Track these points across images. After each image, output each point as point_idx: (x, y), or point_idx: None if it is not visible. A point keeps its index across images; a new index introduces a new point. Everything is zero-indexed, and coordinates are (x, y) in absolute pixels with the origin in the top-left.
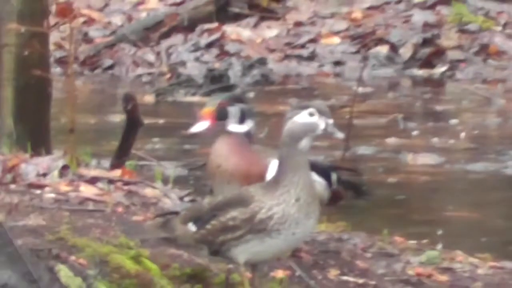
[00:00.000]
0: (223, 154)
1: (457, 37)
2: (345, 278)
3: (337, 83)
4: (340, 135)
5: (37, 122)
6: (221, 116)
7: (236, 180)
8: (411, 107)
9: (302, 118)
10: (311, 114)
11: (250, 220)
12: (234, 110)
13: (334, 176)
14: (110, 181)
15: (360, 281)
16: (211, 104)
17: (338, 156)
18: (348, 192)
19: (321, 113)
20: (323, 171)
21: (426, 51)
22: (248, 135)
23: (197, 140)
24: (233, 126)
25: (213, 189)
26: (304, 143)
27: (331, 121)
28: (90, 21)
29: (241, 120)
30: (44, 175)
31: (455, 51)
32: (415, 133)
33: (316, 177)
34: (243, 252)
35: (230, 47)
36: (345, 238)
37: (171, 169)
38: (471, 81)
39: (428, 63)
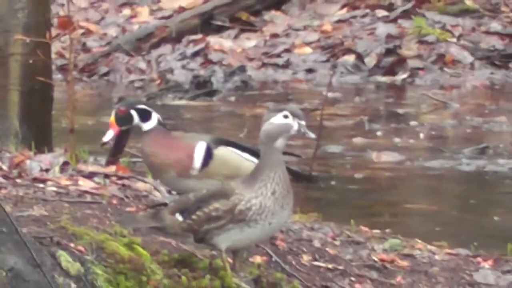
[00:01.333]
0: (150, 152)
1: (417, 48)
2: (316, 263)
3: (309, 89)
4: (311, 135)
5: (40, 123)
6: (122, 122)
7: (170, 169)
8: (375, 110)
9: (278, 119)
10: (285, 116)
11: (231, 211)
12: (134, 113)
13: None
14: (106, 176)
15: (330, 266)
16: (111, 115)
17: (309, 154)
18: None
19: (294, 115)
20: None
21: (389, 60)
22: (161, 126)
23: None
24: (144, 126)
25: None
26: (280, 142)
27: (303, 122)
28: (88, 33)
29: (146, 118)
30: (47, 170)
31: (415, 60)
32: (379, 133)
33: (255, 160)
34: (224, 240)
35: (213, 56)
36: (316, 227)
37: None
38: (429, 87)
39: (390, 71)
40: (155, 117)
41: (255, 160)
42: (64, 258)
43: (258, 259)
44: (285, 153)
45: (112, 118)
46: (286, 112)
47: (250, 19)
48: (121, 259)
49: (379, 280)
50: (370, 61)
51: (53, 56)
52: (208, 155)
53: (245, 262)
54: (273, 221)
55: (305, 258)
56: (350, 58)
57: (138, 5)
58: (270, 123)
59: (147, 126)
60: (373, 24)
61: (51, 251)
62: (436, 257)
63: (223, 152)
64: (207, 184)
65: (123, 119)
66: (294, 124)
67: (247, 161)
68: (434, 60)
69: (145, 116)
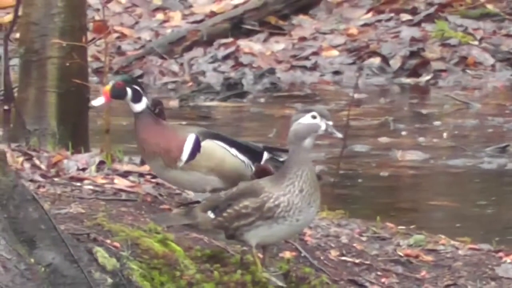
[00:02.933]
0: (143, 138)
1: (440, 50)
2: (343, 258)
3: (336, 90)
4: (338, 135)
5: (77, 124)
6: (116, 95)
7: (158, 157)
8: (400, 110)
9: (306, 120)
10: (313, 117)
11: (260, 208)
12: (129, 91)
13: (266, 155)
14: (140, 175)
15: (357, 261)
16: (108, 83)
17: (337, 153)
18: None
19: (322, 115)
20: (251, 150)
21: (413, 62)
22: (150, 111)
23: None
24: (134, 106)
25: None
26: (308, 141)
27: (331, 122)
28: (122, 37)
29: (137, 99)
30: (83, 169)
31: (438, 62)
32: (403, 133)
33: (240, 156)
34: (254, 236)
35: (244, 59)
36: (343, 224)
37: None
38: (452, 88)
39: (414, 72)
40: (144, 100)
41: (241, 156)
42: (101, 254)
43: (287, 254)
44: (271, 148)
45: (107, 88)
46: (314, 113)
47: (278, 23)
48: (155, 255)
49: (404, 274)
50: (395, 63)
51: (89, 59)
52: (196, 148)
53: (275, 257)
54: (300, 218)
55: (333, 253)
56: (376, 61)
57: (171, 10)
58: (298, 123)
59: (136, 107)
60: (397, 28)
61: (88, 247)
62: (459, 252)
63: (209, 146)
64: (191, 176)
65: (118, 93)
66: (322, 124)
67: (232, 157)
68: (456, 62)
69: (137, 97)
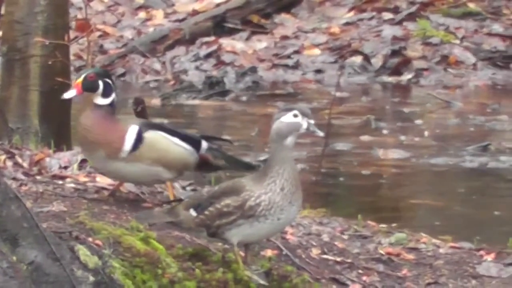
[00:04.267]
0: (87, 127)
1: (421, 49)
2: (325, 256)
3: (318, 89)
4: (320, 133)
5: (59, 122)
6: (87, 87)
7: (100, 148)
8: (382, 109)
9: (288, 118)
10: (295, 115)
11: (241, 207)
12: (100, 84)
13: (204, 145)
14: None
15: (338, 259)
16: (80, 75)
17: (318, 151)
18: (220, 161)
19: (303, 114)
20: (191, 139)
21: (395, 61)
22: (112, 106)
23: None
24: (99, 99)
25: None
26: (289, 140)
27: (312, 121)
28: (105, 35)
29: (107, 94)
30: (66, 167)
31: (420, 61)
32: (385, 131)
33: (184, 145)
34: (236, 234)
35: (226, 57)
36: (325, 222)
37: None
38: (434, 87)
39: (396, 71)
40: (112, 96)
41: (185, 145)
42: (83, 252)
43: (269, 252)
44: (209, 137)
45: (79, 80)
46: (295, 112)
47: (261, 21)
48: (137, 253)
49: (386, 272)
50: (377, 62)
51: (72, 57)
52: (139, 139)
53: (257, 256)
54: (281, 217)
55: (314, 252)
56: (357, 59)
57: (153, 9)
58: (280, 122)
59: (103, 101)
60: (379, 27)
61: (70, 245)
62: (441, 250)
63: (153, 136)
64: (135, 167)
65: (89, 85)
66: (304, 123)
67: (176, 146)
68: (438, 61)
69: (107, 91)
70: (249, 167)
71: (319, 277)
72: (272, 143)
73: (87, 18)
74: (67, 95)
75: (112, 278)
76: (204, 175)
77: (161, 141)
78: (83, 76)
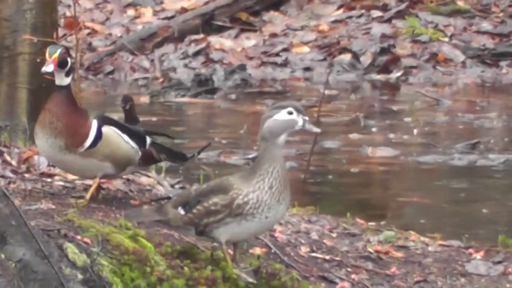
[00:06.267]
0: (54, 113)
1: (410, 47)
2: (314, 254)
3: (306, 86)
4: (316, 129)
5: None
6: (61, 62)
7: (60, 137)
8: (370, 107)
9: (282, 116)
10: (290, 113)
11: (229, 205)
12: (69, 61)
13: (148, 140)
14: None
15: (327, 257)
16: (54, 51)
17: (307, 149)
18: (162, 155)
19: (298, 111)
20: (138, 135)
21: (384, 58)
22: (69, 89)
23: (186, 135)
24: (63, 79)
25: (36, 138)
26: (282, 138)
27: (307, 117)
28: (93, 33)
29: (69, 72)
30: (54, 165)
31: (409, 58)
32: (374, 129)
33: (131, 142)
34: (224, 232)
35: (214, 55)
36: (314, 220)
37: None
38: (422, 84)
39: (385, 69)
40: (71, 76)
41: (132, 143)
42: (71, 249)
43: (258, 250)
44: (152, 133)
45: (56, 55)
46: (290, 109)
47: (249, 19)
48: (125, 251)
49: (375, 270)
50: (366, 59)
51: None
52: (99, 135)
53: (245, 254)
54: (269, 215)
55: (303, 250)
56: (346, 57)
57: (142, 6)
58: (274, 120)
59: (66, 80)
60: (368, 24)
61: (58, 243)
62: (429, 248)
63: (109, 133)
64: (87, 162)
65: (63, 61)
66: (299, 120)
67: (125, 143)
68: (427, 59)
69: (70, 70)
70: (183, 158)
71: (308, 275)
72: (262, 141)
73: (75, 15)
74: (47, 68)
75: (100, 276)
76: (147, 168)
77: (114, 138)
78: (58, 52)
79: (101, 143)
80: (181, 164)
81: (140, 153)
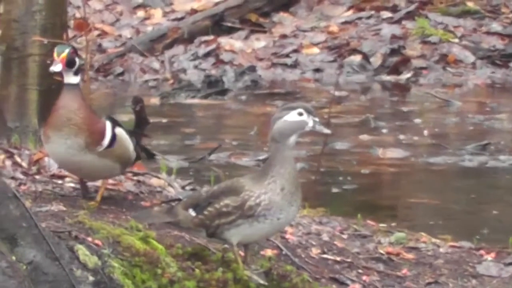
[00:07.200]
0: (72, 108)
1: (420, 48)
2: (325, 256)
3: (316, 88)
4: (327, 130)
5: None
6: (69, 62)
7: (84, 134)
8: (380, 108)
9: (292, 117)
10: (300, 114)
11: (241, 207)
12: (77, 61)
13: (133, 140)
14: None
15: (338, 258)
16: (62, 50)
17: (317, 150)
18: (142, 153)
19: (309, 112)
20: (133, 136)
21: (394, 59)
22: (79, 88)
23: (196, 137)
24: (71, 78)
25: (48, 142)
26: (292, 139)
27: (317, 119)
28: (103, 34)
29: (77, 71)
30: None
31: (419, 59)
32: (384, 130)
33: (131, 142)
34: (235, 234)
35: (224, 56)
36: (324, 221)
37: (174, 162)
38: (432, 85)
39: (395, 70)
40: (79, 75)
41: (132, 144)
42: (82, 251)
43: (269, 252)
44: (134, 132)
45: (64, 55)
46: (300, 110)
47: (259, 20)
48: (136, 253)
49: (385, 272)
50: (375, 61)
51: None
52: (114, 135)
53: (256, 255)
54: (281, 217)
55: (314, 251)
56: (356, 58)
57: (152, 8)
58: (284, 121)
59: (73, 79)
60: (378, 25)
61: (69, 245)
62: (440, 249)
63: (120, 134)
64: (103, 163)
65: (71, 60)
66: (309, 121)
67: (130, 144)
68: (437, 60)
69: (78, 69)
70: (151, 156)
71: (319, 276)
72: (272, 143)
73: (85, 17)
74: (55, 68)
75: (111, 278)
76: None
77: (125, 139)
78: (67, 51)
79: (116, 143)
80: (148, 160)
81: (135, 154)
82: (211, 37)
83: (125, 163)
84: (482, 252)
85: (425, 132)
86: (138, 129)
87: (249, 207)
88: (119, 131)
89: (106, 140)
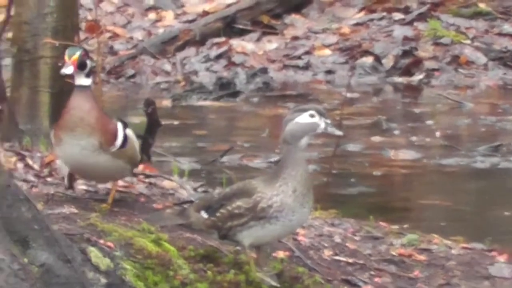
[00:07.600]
0: (84, 108)
1: (432, 49)
2: (337, 258)
3: (328, 89)
4: (338, 132)
5: None
6: (80, 64)
7: (98, 134)
8: (392, 110)
9: (304, 119)
10: (311, 116)
11: (253, 209)
12: (88, 63)
13: (139, 141)
14: (134, 175)
15: (350, 260)
16: (73, 53)
17: (329, 152)
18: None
19: (320, 114)
20: (138, 137)
21: (405, 61)
22: (91, 89)
23: (208, 139)
24: (83, 80)
25: (60, 144)
26: (304, 141)
27: (329, 120)
28: (115, 36)
29: (89, 74)
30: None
31: (431, 61)
32: (396, 132)
33: (136, 139)
34: (247, 236)
35: (236, 58)
36: (336, 223)
37: (186, 164)
38: (444, 87)
39: (407, 71)
40: (91, 78)
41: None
42: (94, 254)
43: (281, 254)
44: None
45: (75, 57)
46: (312, 111)
47: (271, 22)
48: (148, 255)
49: (398, 273)
50: (387, 62)
51: None
52: (125, 136)
53: (269, 257)
54: (293, 218)
55: (326, 253)
56: (368, 60)
57: (163, 10)
58: (295, 123)
59: (84, 81)
60: (390, 27)
61: (81, 247)
62: (452, 251)
63: (131, 135)
64: (116, 163)
65: (82, 63)
66: (321, 123)
67: (139, 145)
68: (449, 61)
69: (90, 71)
70: (149, 158)
71: (331, 278)
72: (284, 145)
73: (97, 19)
74: (67, 70)
75: (123, 280)
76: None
77: (135, 140)
78: (78, 53)
79: (128, 144)
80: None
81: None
82: (223, 39)
83: (134, 164)
84: (494, 253)
85: (437, 134)
86: (148, 135)
87: (261, 209)
88: (129, 132)
89: (119, 141)
